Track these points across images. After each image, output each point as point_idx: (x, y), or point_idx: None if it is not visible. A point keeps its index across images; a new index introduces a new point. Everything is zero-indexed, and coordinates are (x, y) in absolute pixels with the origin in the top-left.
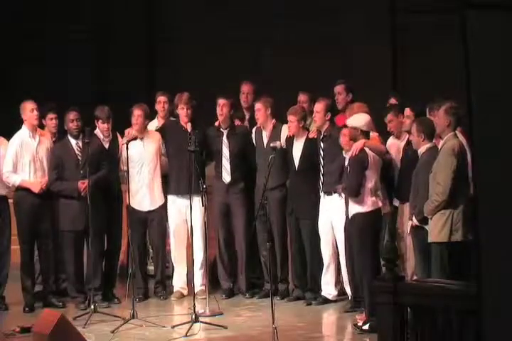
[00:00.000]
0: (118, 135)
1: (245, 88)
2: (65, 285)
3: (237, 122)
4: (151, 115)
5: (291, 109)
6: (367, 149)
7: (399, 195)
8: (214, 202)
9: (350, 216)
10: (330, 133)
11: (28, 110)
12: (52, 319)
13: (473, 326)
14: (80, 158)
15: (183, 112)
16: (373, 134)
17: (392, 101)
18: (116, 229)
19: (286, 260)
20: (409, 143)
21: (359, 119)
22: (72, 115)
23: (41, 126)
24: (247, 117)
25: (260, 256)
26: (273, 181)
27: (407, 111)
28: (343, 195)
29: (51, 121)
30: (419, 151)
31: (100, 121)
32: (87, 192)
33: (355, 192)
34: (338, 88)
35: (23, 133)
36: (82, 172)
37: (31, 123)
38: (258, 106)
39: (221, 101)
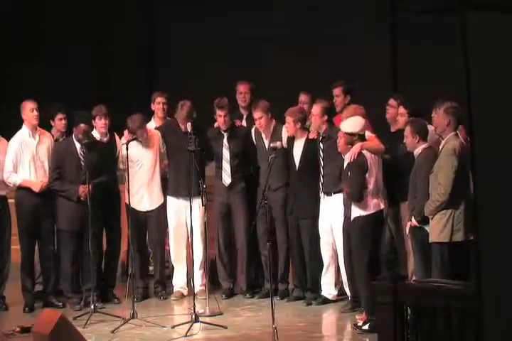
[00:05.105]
0: (116, 136)
1: (242, 88)
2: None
3: (237, 122)
4: (147, 115)
5: (288, 110)
6: (364, 151)
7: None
8: (215, 202)
9: (352, 218)
10: (328, 135)
11: (28, 110)
12: (52, 319)
13: (474, 326)
14: (82, 162)
15: (184, 126)
16: (370, 135)
17: (392, 102)
18: (115, 229)
19: (288, 260)
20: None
21: (353, 124)
22: (84, 128)
23: (49, 127)
24: (244, 116)
25: (261, 256)
26: (276, 182)
27: (401, 109)
28: (342, 194)
29: (60, 121)
30: (414, 152)
31: (97, 117)
32: (87, 196)
33: (358, 197)
34: (336, 90)
35: (23, 133)
36: (84, 177)
37: (31, 123)
38: (258, 114)
39: (221, 113)
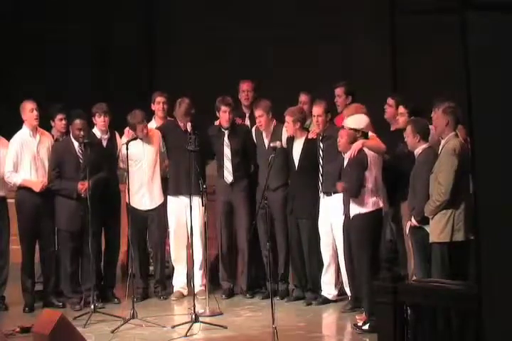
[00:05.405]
0: (117, 134)
1: (245, 86)
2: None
3: (238, 120)
4: (147, 115)
5: (288, 110)
6: (366, 149)
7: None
8: (217, 202)
9: (350, 216)
10: (329, 134)
11: (28, 110)
12: (52, 319)
13: (473, 326)
14: (81, 161)
15: (184, 124)
16: (371, 134)
17: (389, 101)
18: (115, 229)
19: (288, 260)
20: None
21: (359, 121)
22: (80, 124)
23: (49, 127)
24: (247, 115)
25: (262, 256)
26: (275, 181)
27: (401, 108)
28: (342, 193)
29: (60, 121)
30: (415, 152)
31: (97, 114)
32: (87, 194)
33: (355, 193)
34: (338, 90)
35: (24, 133)
36: (82, 174)
37: (31, 123)
38: (259, 112)
39: (226, 108)
